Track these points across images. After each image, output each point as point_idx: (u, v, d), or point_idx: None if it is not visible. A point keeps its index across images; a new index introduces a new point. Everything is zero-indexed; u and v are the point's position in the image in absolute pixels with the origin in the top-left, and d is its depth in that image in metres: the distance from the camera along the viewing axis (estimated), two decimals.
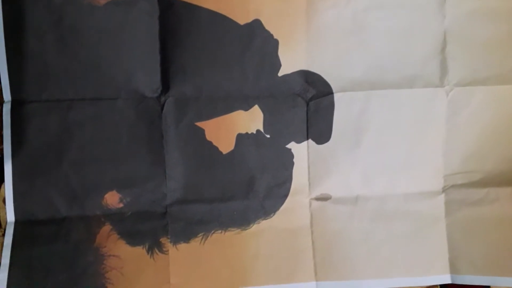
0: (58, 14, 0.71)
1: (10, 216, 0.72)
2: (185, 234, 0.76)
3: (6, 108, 0.71)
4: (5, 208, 0.72)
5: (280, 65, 0.76)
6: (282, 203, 0.78)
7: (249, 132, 0.77)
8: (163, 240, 0.75)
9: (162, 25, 0.73)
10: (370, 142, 0.78)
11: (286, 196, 0.78)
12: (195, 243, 0.76)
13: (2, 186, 0.72)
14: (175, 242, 0.75)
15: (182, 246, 0.76)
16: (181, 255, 0.75)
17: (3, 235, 0.72)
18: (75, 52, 0.72)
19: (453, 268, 0.78)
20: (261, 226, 0.77)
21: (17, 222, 0.72)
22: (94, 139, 0.74)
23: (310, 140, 0.78)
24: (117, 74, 0.73)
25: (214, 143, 0.76)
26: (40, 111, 0.72)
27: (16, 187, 0.72)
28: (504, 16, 0.77)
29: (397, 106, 0.78)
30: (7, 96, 0.71)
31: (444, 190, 0.79)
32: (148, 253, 0.75)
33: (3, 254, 0.71)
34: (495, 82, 0.78)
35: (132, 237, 0.75)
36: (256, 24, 0.75)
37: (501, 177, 0.79)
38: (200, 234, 0.76)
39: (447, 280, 0.77)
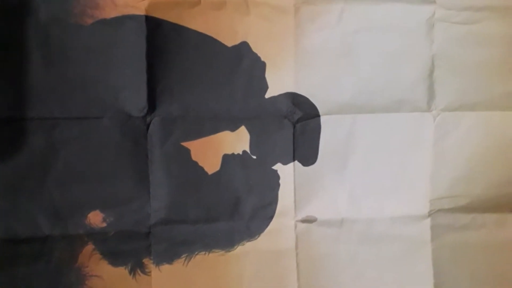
0: (44, 33, 0.70)
1: None
2: (168, 255, 0.75)
3: None
4: None
5: (267, 87, 0.76)
6: (267, 225, 0.77)
7: (235, 153, 0.76)
8: (146, 261, 0.74)
9: (149, 45, 0.73)
10: (357, 165, 0.78)
11: (271, 217, 0.78)
12: (178, 264, 0.75)
13: None
14: (158, 263, 0.75)
15: (165, 267, 0.75)
16: (163, 277, 0.75)
17: None
18: (61, 71, 0.71)
19: None
20: (246, 248, 0.77)
21: None
22: (79, 158, 0.73)
23: (296, 162, 0.77)
24: (103, 93, 0.73)
25: (200, 164, 0.76)
26: (25, 129, 0.71)
27: None
28: (493, 41, 0.78)
29: (384, 129, 0.77)
30: None
31: (430, 214, 0.79)
32: (130, 274, 0.74)
33: None
34: (483, 108, 0.78)
35: (114, 257, 0.74)
36: (244, 47, 0.75)
37: (488, 203, 0.79)
38: (184, 255, 0.76)
39: None
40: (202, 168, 0.76)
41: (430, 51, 0.77)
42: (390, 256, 0.79)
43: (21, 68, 0.71)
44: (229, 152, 0.76)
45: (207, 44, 0.74)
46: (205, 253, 0.76)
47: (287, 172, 0.77)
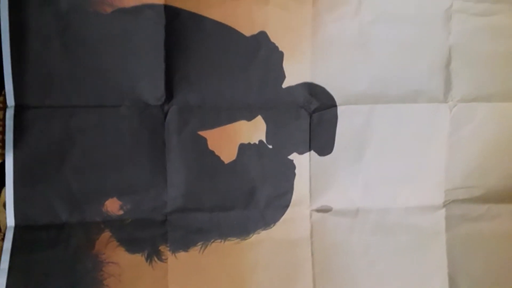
0: (64, 21, 0.71)
1: (10, 221, 0.72)
2: (184, 242, 0.76)
3: (9, 113, 0.71)
4: (5, 213, 0.72)
5: (284, 77, 0.76)
6: (283, 214, 0.78)
7: (252, 143, 0.77)
8: (162, 248, 0.75)
9: (168, 34, 0.73)
10: (372, 155, 0.78)
11: (286, 207, 0.78)
12: (194, 252, 0.76)
13: (3, 190, 0.72)
14: (174, 250, 0.75)
15: (181, 254, 0.75)
16: (179, 264, 0.75)
17: (3, 239, 0.72)
18: (80, 58, 0.72)
19: (452, 284, 0.78)
20: (261, 237, 0.77)
21: (17, 227, 0.72)
22: (96, 146, 0.73)
23: (312, 152, 0.78)
24: (121, 81, 0.73)
25: (216, 153, 0.76)
26: (43, 116, 0.72)
27: (17, 192, 0.72)
28: (510, 33, 0.77)
29: (400, 120, 0.78)
30: (10, 101, 0.71)
31: (445, 204, 0.79)
32: (147, 261, 0.74)
33: (2, 258, 0.70)
34: (499, 99, 0.78)
35: (131, 245, 0.74)
36: (262, 36, 0.75)
37: (503, 193, 0.79)
38: (200, 243, 0.76)
39: None
40: (218, 157, 0.76)
41: (447, 42, 0.77)
42: (404, 246, 0.79)
43: (40, 56, 0.71)
44: (246, 141, 0.77)
45: (225, 33, 0.74)
46: (220, 241, 0.76)
47: (303, 162, 0.78)
